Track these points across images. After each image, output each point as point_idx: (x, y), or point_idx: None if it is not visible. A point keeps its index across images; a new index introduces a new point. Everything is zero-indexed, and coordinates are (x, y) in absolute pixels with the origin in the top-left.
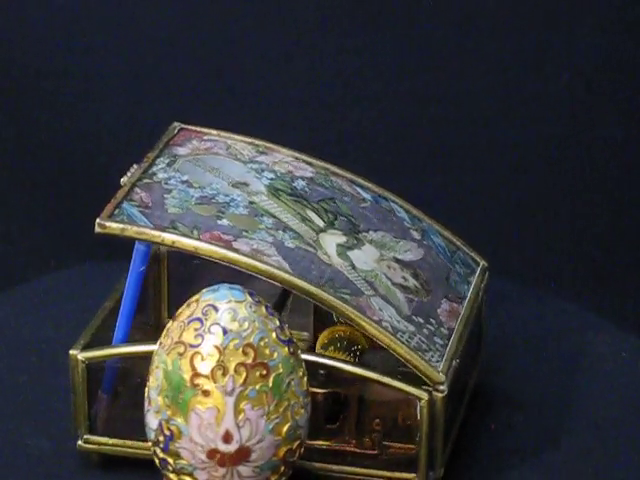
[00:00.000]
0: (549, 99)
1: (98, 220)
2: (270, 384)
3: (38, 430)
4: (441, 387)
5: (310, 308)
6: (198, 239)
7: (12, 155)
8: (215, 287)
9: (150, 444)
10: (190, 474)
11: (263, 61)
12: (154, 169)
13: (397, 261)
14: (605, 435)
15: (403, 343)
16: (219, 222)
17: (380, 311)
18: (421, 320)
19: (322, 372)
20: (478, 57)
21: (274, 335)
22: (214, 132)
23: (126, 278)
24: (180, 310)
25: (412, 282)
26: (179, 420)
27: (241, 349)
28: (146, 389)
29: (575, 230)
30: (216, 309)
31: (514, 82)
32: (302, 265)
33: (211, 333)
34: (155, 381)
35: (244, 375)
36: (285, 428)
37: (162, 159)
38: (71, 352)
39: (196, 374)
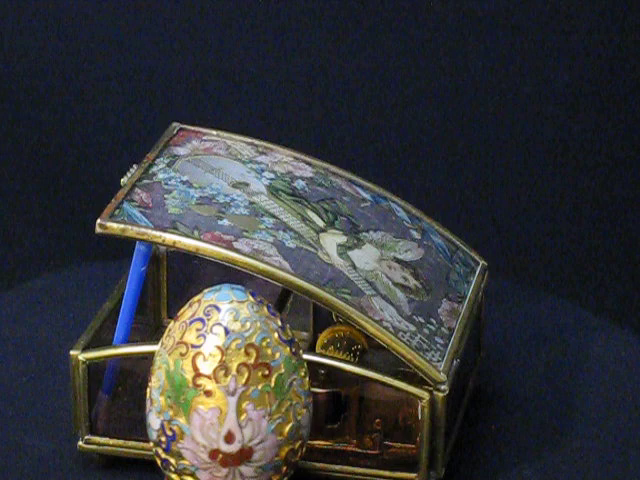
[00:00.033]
0: (549, 99)
1: (99, 220)
2: (272, 384)
3: (39, 431)
4: (442, 387)
5: (309, 308)
6: (199, 239)
7: (12, 155)
8: (217, 287)
9: (152, 444)
10: (192, 474)
11: (263, 61)
12: (154, 169)
13: (397, 261)
14: (605, 435)
15: (404, 343)
16: (220, 222)
17: (381, 311)
18: (422, 320)
19: (323, 372)
20: (477, 57)
21: (276, 335)
22: (213, 132)
23: (126, 278)
24: (182, 310)
25: (412, 282)
26: (181, 420)
27: (243, 349)
28: (148, 389)
29: (575, 230)
30: (218, 309)
31: (514, 82)
32: (303, 265)
33: (213, 333)
34: (157, 381)
35: (246, 375)
36: (287, 428)
37: (162, 159)
38: (72, 352)
39: (198, 374)
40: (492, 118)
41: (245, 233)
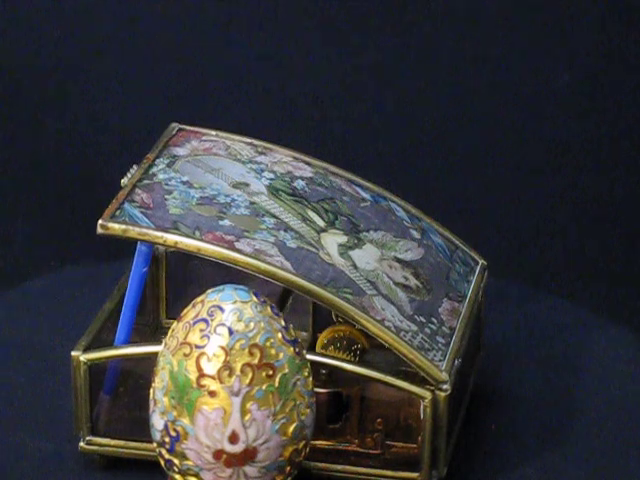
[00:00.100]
0: (549, 99)
1: (100, 221)
2: (276, 384)
3: (40, 432)
4: (444, 386)
5: (309, 308)
6: (200, 240)
7: (12, 156)
8: (220, 288)
9: (155, 445)
10: (196, 475)
11: (263, 61)
12: (154, 170)
13: (398, 260)
14: (605, 434)
15: (406, 342)
16: (221, 222)
17: (383, 311)
18: (423, 319)
19: (324, 372)
20: (477, 57)
21: (280, 335)
22: (213, 132)
23: (127, 279)
24: (185, 311)
25: (413, 281)
26: (185, 421)
27: (247, 349)
28: (151, 390)
29: (575, 230)
30: (222, 310)
31: (514, 82)
32: (305, 265)
33: (217, 334)
34: (161, 382)
35: (250, 375)
36: (291, 428)
37: (161, 160)
38: (73, 353)
39: (202, 375)
40: (492, 118)
41: (246, 233)
